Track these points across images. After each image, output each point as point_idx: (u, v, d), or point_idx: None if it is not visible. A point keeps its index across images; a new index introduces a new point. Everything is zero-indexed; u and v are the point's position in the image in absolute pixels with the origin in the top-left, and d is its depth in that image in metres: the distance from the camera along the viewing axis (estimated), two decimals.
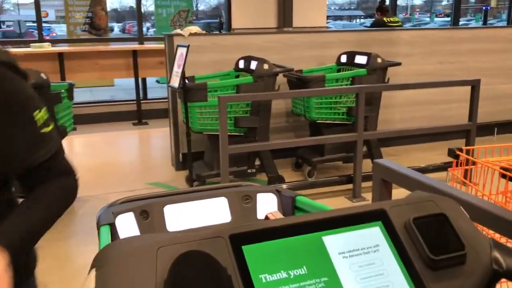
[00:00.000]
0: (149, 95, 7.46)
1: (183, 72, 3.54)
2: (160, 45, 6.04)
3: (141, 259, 0.60)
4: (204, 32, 4.68)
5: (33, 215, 1.03)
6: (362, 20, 33.20)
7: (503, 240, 1.39)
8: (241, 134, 3.87)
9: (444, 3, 38.22)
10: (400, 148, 4.99)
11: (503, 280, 0.71)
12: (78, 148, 5.48)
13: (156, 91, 8.52)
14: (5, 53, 1.03)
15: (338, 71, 4.44)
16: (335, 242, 0.67)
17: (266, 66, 3.79)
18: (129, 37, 17.60)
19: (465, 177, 1.77)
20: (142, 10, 7.79)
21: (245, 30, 6.20)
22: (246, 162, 3.96)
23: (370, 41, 4.86)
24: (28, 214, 1.02)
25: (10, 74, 1.01)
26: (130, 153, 5.44)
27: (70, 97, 3.69)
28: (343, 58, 4.43)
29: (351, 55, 4.33)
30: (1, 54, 1.01)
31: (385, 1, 6.78)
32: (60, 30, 17.13)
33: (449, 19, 10.72)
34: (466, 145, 3.88)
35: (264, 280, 0.61)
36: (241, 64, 4.16)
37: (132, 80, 6.65)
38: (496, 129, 5.32)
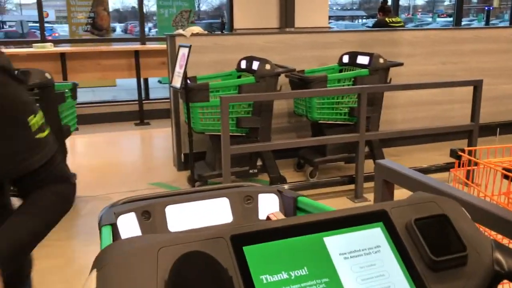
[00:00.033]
0: (151, 96, 7.46)
1: (185, 73, 3.54)
2: (162, 46, 6.05)
3: (142, 259, 0.60)
4: (206, 32, 4.68)
5: (27, 222, 1.01)
6: (364, 21, 33.17)
7: (505, 241, 1.39)
8: (243, 134, 3.87)
9: (446, 3, 38.17)
10: (402, 148, 4.99)
11: (504, 281, 0.70)
12: (80, 148, 5.49)
13: (158, 91, 8.53)
14: (0, 57, 1.02)
15: (340, 71, 4.44)
16: (336, 243, 0.67)
17: (268, 67, 3.79)
18: (131, 37, 17.62)
19: (467, 178, 1.77)
20: (144, 10, 7.80)
21: (247, 30, 6.19)
22: (248, 162, 3.96)
23: (372, 42, 4.85)
24: (21, 222, 1.00)
25: (5, 79, 1.00)
26: (132, 153, 5.45)
27: (74, 96, 3.71)
28: (345, 59, 4.42)
29: (353, 55, 4.33)
30: None
31: (387, 2, 6.77)
32: (62, 30, 17.17)
33: (451, 19, 10.71)
34: (468, 146, 3.87)
35: (265, 281, 0.61)
36: (243, 65, 4.17)
37: (134, 81, 6.66)
38: (498, 129, 5.31)
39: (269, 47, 4.54)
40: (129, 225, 1.00)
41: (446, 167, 3.93)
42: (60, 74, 5.96)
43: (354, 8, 40.48)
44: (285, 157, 4.47)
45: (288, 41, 4.63)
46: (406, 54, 4.96)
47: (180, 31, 4.41)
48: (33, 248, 1.05)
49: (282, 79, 4.03)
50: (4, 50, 2.73)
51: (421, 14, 36.47)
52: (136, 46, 6.80)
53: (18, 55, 5.81)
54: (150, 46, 6.81)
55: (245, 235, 0.64)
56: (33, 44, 6.18)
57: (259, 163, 4.02)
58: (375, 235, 0.69)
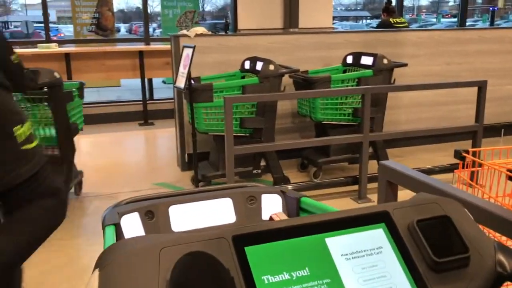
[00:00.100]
0: (155, 96, 7.48)
1: (189, 73, 3.55)
2: (166, 46, 6.05)
3: (144, 259, 0.60)
4: (210, 33, 4.69)
5: (12, 240, 0.96)
6: (368, 21, 33.12)
7: (509, 243, 1.38)
8: (247, 134, 3.88)
9: (450, 3, 38.06)
10: (406, 149, 4.98)
11: (508, 283, 0.70)
12: (85, 148, 5.51)
13: (162, 91, 8.54)
14: None
15: (344, 72, 4.43)
16: (338, 244, 0.67)
17: (271, 67, 3.79)
18: (136, 37, 17.66)
19: (471, 179, 1.76)
20: (149, 11, 7.82)
21: (251, 31, 6.20)
22: (252, 162, 3.96)
23: (376, 42, 4.85)
24: (7, 240, 0.96)
25: None
26: (136, 153, 5.46)
27: (81, 95, 3.75)
28: (349, 59, 4.42)
29: (357, 56, 4.32)
30: None
31: (391, 2, 6.76)
32: (67, 30, 17.23)
33: (455, 19, 10.67)
34: (472, 147, 3.86)
35: (266, 281, 0.61)
36: (247, 65, 4.17)
37: (138, 81, 6.68)
38: (503, 130, 5.29)
39: (273, 47, 4.54)
40: (132, 225, 1.00)
41: (450, 168, 3.92)
42: (65, 74, 5.99)
43: (358, 8, 40.44)
44: (289, 158, 4.47)
45: (292, 42, 4.63)
46: (410, 54, 4.95)
47: (184, 31, 4.42)
48: (18, 266, 1.02)
49: (286, 80, 4.03)
50: None
51: (425, 14, 36.37)
52: (141, 46, 6.82)
53: (23, 55, 5.83)
54: (154, 46, 6.83)
55: (247, 236, 0.64)
56: (38, 45, 6.21)
57: (262, 163, 4.02)
58: (377, 236, 0.69)
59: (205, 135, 3.92)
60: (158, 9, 10.12)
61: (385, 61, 4.05)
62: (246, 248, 0.63)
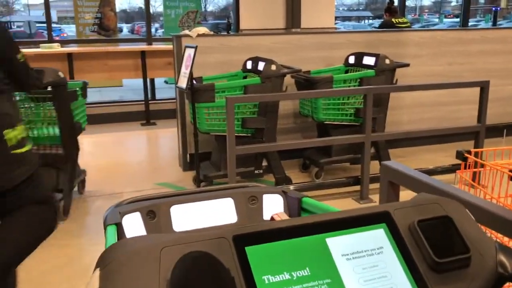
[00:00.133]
0: (158, 96, 7.48)
1: (190, 73, 3.55)
2: (168, 46, 6.07)
3: (145, 259, 0.60)
4: (212, 33, 4.69)
5: (2, 247, 0.94)
6: (370, 21, 33.09)
7: (511, 243, 1.38)
8: (249, 135, 3.88)
9: (453, 4, 37.99)
10: (408, 149, 4.97)
11: (509, 284, 0.70)
12: (87, 147, 5.52)
13: (164, 91, 8.55)
14: None
15: (346, 72, 4.43)
16: (339, 244, 0.67)
17: (273, 67, 3.79)
18: (138, 37, 17.68)
19: (473, 180, 1.76)
20: (151, 11, 7.83)
21: (253, 31, 6.20)
22: (253, 163, 3.96)
23: (379, 42, 4.84)
24: None
25: None
26: (138, 153, 5.47)
27: (84, 95, 3.78)
28: (351, 59, 4.42)
29: (359, 56, 4.32)
30: None
31: (393, 2, 6.75)
32: (70, 30, 17.27)
33: (458, 20, 10.65)
34: (474, 147, 3.85)
35: (267, 281, 0.61)
36: (249, 65, 4.17)
37: (140, 81, 6.69)
38: (505, 131, 5.27)
39: (275, 47, 4.54)
40: (134, 225, 1.00)
41: (452, 169, 3.92)
42: (67, 74, 6.00)
43: (361, 8, 40.40)
44: (291, 158, 4.47)
45: (294, 42, 4.63)
46: (413, 54, 4.94)
47: (186, 31, 4.42)
48: (6, 274, 1.00)
49: (288, 80, 4.03)
50: None
51: (427, 14, 36.31)
52: (143, 46, 6.83)
53: (26, 55, 5.84)
54: (157, 46, 6.84)
55: (247, 236, 0.65)
56: (40, 45, 6.22)
57: (264, 163, 4.02)
58: (378, 236, 0.69)
59: (207, 135, 3.92)
60: (160, 9, 10.13)
61: (387, 61, 4.05)
62: (246, 248, 0.63)
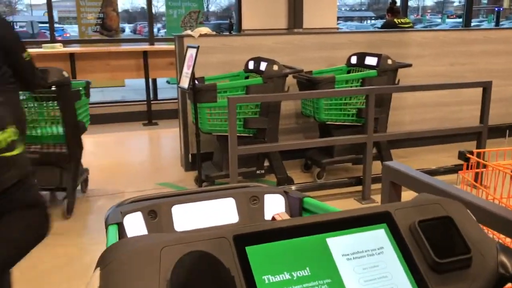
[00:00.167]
0: (160, 96, 7.50)
1: (192, 73, 3.56)
2: (171, 46, 6.06)
3: (145, 258, 0.60)
4: (214, 33, 4.69)
5: None
6: (373, 21, 33.07)
7: None
8: (250, 135, 3.88)
9: (456, 4, 37.94)
10: (410, 150, 4.97)
11: (510, 284, 0.70)
12: (89, 147, 5.52)
13: (166, 91, 8.56)
14: None
15: (348, 72, 4.43)
16: (339, 244, 0.67)
17: (275, 67, 3.79)
18: (140, 38, 17.70)
19: (475, 180, 1.76)
20: (153, 11, 7.85)
21: (255, 31, 6.20)
22: (255, 163, 3.96)
23: (381, 42, 4.84)
24: None
25: None
26: (140, 153, 5.47)
27: (87, 94, 3.81)
28: (353, 59, 4.41)
29: (361, 56, 4.32)
30: None
31: (396, 2, 6.75)
32: (72, 30, 17.30)
33: (460, 20, 10.63)
34: (477, 148, 3.84)
35: (267, 281, 0.61)
36: (251, 65, 4.17)
37: (142, 81, 6.70)
38: (507, 131, 5.26)
39: (277, 47, 4.54)
40: (135, 225, 1.01)
41: (454, 169, 3.91)
42: (70, 74, 5.99)
43: (363, 9, 40.37)
44: (293, 158, 4.47)
45: (296, 42, 4.63)
46: (415, 55, 4.93)
47: (189, 31, 4.43)
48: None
49: (290, 80, 4.02)
50: None
51: (430, 15, 36.25)
52: (145, 46, 6.84)
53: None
54: (159, 46, 6.84)
55: (248, 235, 0.64)
56: (43, 45, 6.24)
57: (266, 164, 4.02)
58: (379, 236, 0.69)
59: (208, 135, 3.92)
60: (162, 9, 10.14)
61: (389, 61, 4.05)
62: (247, 248, 0.63)
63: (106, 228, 0.93)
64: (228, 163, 3.40)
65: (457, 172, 1.86)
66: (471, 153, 1.76)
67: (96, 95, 7.77)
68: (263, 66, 3.85)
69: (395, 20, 6.42)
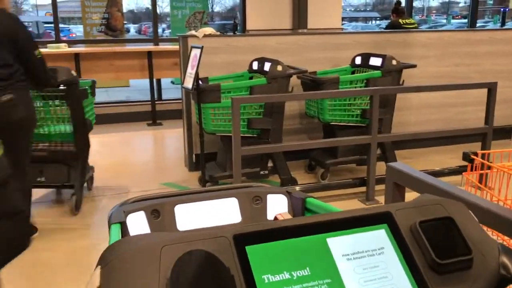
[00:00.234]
0: (164, 96, 7.51)
1: (196, 73, 3.56)
2: (175, 46, 6.08)
3: (145, 257, 0.61)
4: (218, 33, 4.70)
5: None
6: (377, 22, 32.99)
7: None
8: (254, 135, 3.88)
9: (461, 4, 37.78)
10: (415, 151, 4.95)
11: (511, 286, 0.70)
12: (94, 147, 5.52)
13: (170, 92, 8.57)
14: None
15: (353, 73, 4.42)
16: (339, 244, 0.67)
17: (279, 68, 3.79)
18: (145, 38, 17.74)
19: (480, 182, 1.75)
20: (158, 11, 7.86)
21: (260, 31, 6.21)
22: (259, 163, 3.96)
23: (385, 43, 4.83)
24: None
25: None
26: (144, 153, 5.48)
27: (93, 93, 3.85)
28: (358, 60, 4.41)
29: (366, 57, 4.31)
30: None
31: (400, 3, 6.73)
32: (77, 30, 17.36)
33: (466, 21, 10.60)
34: (482, 149, 3.83)
35: (266, 281, 0.61)
36: (255, 66, 4.17)
37: (147, 81, 6.71)
38: None
39: (282, 48, 4.54)
40: (138, 224, 1.01)
41: (459, 170, 3.89)
42: None
43: (368, 9, 40.29)
44: (296, 159, 4.47)
45: (300, 43, 4.63)
46: (420, 55, 4.92)
47: (193, 32, 4.43)
48: None
49: (294, 81, 4.02)
50: None
51: (435, 15, 36.10)
52: (149, 47, 6.85)
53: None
54: (163, 47, 6.86)
55: (248, 235, 0.65)
56: (48, 45, 6.26)
57: (270, 164, 4.02)
58: (379, 236, 0.69)
59: (212, 136, 3.93)
60: (167, 9, 10.18)
61: (394, 62, 4.04)
62: (247, 247, 0.63)
63: (109, 227, 0.94)
64: (231, 164, 3.40)
65: (462, 174, 1.85)
66: (476, 154, 1.75)
67: (101, 95, 7.80)
68: (267, 66, 3.85)
69: (400, 20, 6.41)
